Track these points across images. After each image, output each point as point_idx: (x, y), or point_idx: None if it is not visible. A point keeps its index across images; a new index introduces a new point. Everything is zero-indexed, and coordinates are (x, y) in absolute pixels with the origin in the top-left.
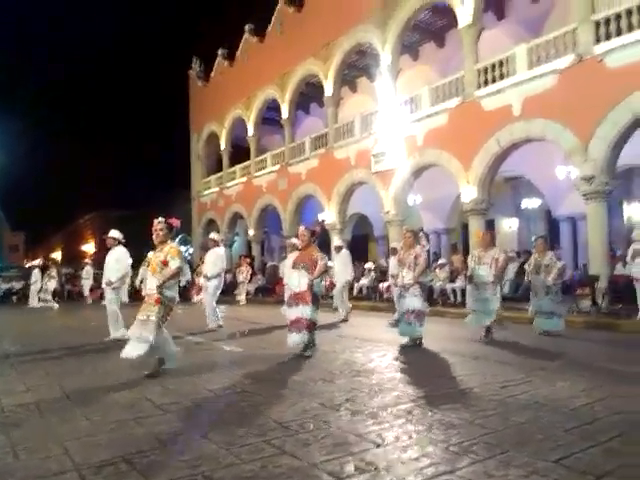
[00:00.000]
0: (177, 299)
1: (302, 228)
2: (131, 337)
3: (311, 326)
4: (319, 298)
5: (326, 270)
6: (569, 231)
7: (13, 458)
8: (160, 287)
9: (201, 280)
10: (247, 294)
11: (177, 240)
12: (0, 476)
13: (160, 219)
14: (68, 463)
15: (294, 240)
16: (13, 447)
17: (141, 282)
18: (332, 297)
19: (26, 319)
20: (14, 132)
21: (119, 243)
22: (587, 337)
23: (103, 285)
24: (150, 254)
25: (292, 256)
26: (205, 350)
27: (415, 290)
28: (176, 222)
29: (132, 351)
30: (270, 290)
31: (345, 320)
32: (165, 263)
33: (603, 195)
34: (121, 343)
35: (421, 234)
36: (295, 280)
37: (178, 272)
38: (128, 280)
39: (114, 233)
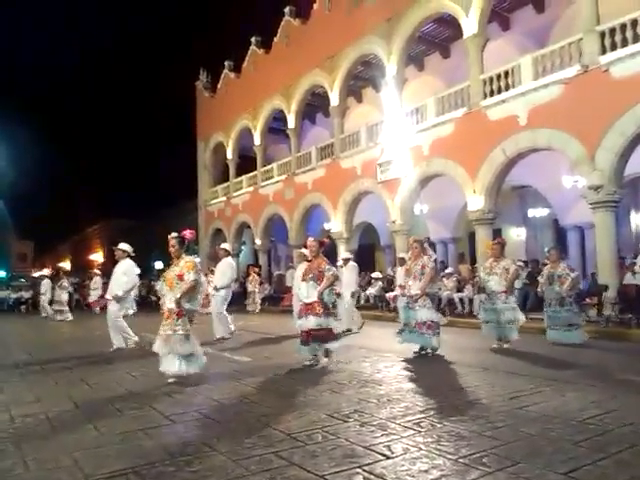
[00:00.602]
0: (198, 311)
1: (311, 239)
2: (161, 354)
3: (323, 336)
4: (330, 308)
5: (334, 281)
6: (577, 240)
7: (23, 469)
8: (179, 301)
9: (210, 290)
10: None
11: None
12: None
13: (174, 234)
14: (78, 474)
15: (304, 250)
16: (23, 457)
17: (159, 298)
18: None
19: (34, 328)
20: (23, 143)
21: (128, 256)
22: (598, 347)
23: (108, 296)
24: (158, 264)
25: (302, 267)
26: (212, 360)
27: (425, 302)
28: (189, 234)
29: (171, 366)
30: (277, 299)
31: (358, 331)
32: (181, 277)
33: (611, 204)
34: (126, 353)
35: (426, 245)
36: (304, 292)
37: (195, 285)
38: (135, 291)
39: (124, 246)
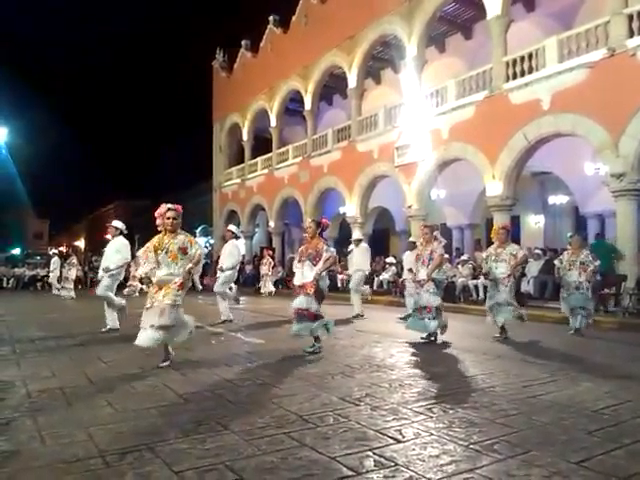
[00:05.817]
0: (189, 285)
1: (308, 220)
2: (146, 327)
3: (312, 317)
4: (323, 293)
5: (334, 262)
6: (597, 229)
7: (40, 443)
8: (190, 270)
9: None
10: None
11: (198, 231)
12: (28, 460)
13: (169, 205)
14: (93, 449)
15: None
16: (39, 432)
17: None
18: (349, 291)
19: (49, 305)
20: (41, 124)
21: (121, 233)
22: (614, 338)
23: (100, 272)
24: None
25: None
26: (224, 341)
27: (429, 287)
28: (179, 208)
29: (147, 340)
30: (290, 282)
31: (360, 316)
32: (184, 250)
33: (634, 193)
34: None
35: (436, 232)
36: (299, 273)
37: (200, 259)
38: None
39: (117, 223)
